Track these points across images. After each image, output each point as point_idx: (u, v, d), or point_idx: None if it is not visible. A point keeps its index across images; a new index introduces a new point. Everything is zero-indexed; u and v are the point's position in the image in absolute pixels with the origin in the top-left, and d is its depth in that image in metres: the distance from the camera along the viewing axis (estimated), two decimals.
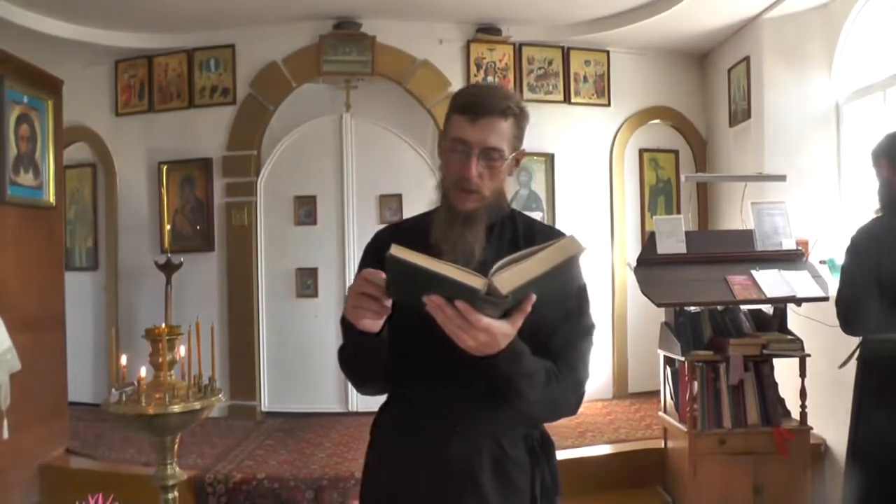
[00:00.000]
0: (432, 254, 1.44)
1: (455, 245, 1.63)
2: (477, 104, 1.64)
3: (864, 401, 3.06)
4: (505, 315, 1.43)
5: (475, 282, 1.35)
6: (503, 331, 1.42)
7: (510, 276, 1.36)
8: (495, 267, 1.37)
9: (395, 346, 1.62)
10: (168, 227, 6.29)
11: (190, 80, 6.34)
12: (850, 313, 3.02)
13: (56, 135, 4.88)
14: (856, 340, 3.26)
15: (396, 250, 1.36)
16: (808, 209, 5.25)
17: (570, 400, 1.68)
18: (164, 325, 3.10)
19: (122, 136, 6.49)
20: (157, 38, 6.26)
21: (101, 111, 6.52)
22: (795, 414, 4.10)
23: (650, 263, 4.24)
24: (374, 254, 1.71)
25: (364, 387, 1.79)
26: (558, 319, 1.64)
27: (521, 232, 1.74)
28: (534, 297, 1.41)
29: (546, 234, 1.74)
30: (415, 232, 1.72)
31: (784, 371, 4.13)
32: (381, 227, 2.05)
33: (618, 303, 6.56)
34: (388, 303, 1.50)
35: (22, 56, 4.61)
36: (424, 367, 1.64)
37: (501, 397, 1.57)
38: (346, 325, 1.59)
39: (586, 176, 6.56)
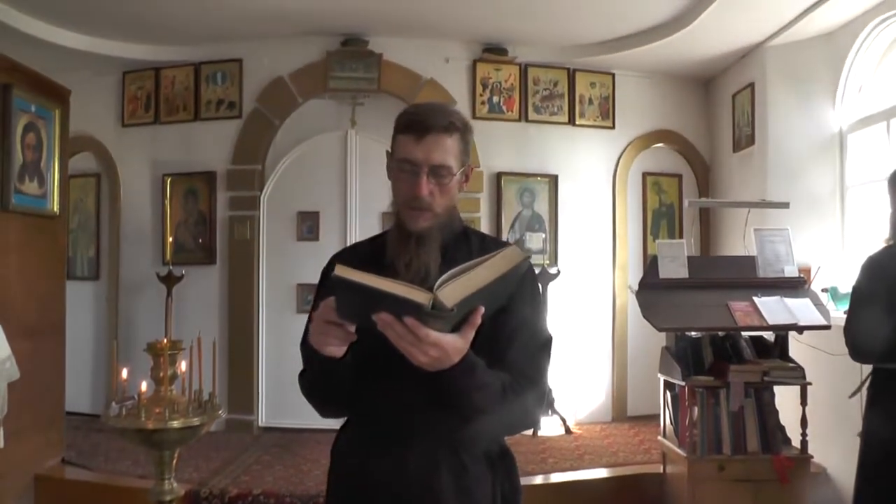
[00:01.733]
0: (388, 274, 1.44)
1: (410, 264, 1.64)
2: (421, 122, 1.66)
3: (874, 430, 3.03)
4: (455, 329, 1.43)
5: (420, 297, 1.35)
6: (454, 345, 1.42)
7: (454, 289, 1.36)
8: (439, 281, 1.37)
9: (354, 364, 1.62)
10: (170, 239, 6.29)
11: (196, 93, 6.37)
12: (858, 342, 3.01)
13: (62, 144, 4.90)
14: (861, 369, 3.26)
15: (341, 270, 1.36)
16: (811, 237, 5.26)
17: (528, 412, 1.67)
18: (165, 339, 3.09)
19: (127, 147, 6.51)
20: (166, 51, 6.29)
21: (107, 122, 6.54)
22: (796, 442, 4.08)
23: (652, 287, 4.24)
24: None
25: (326, 410, 1.79)
26: (513, 332, 1.64)
27: (475, 248, 1.74)
28: (482, 310, 1.41)
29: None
30: (370, 253, 1.74)
31: (785, 398, 4.11)
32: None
33: (618, 326, 6.55)
34: (353, 328, 1.50)
35: (30, 65, 4.63)
36: (381, 384, 1.64)
37: (459, 412, 1.57)
38: (308, 351, 1.59)
39: (589, 198, 6.56)
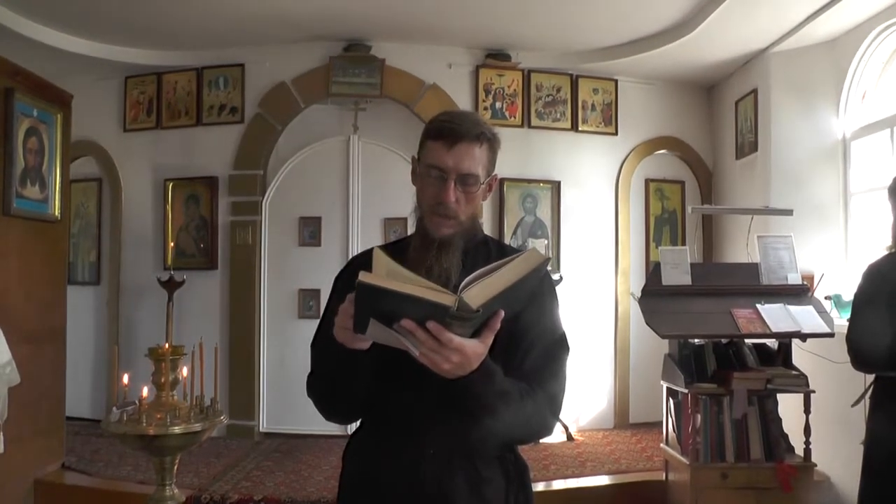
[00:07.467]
0: None
1: (431, 270, 1.63)
2: (452, 130, 1.66)
3: (877, 438, 3.02)
4: (475, 334, 1.42)
5: (445, 299, 1.34)
6: (475, 350, 1.42)
7: (479, 291, 1.36)
8: (463, 284, 1.37)
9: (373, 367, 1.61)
10: (172, 244, 6.29)
11: (198, 98, 6.37)
12: (860, 350, 2.99)
13: (64, 149, 4.90)
14: (864, 377, 3.24)
15: (365, 276, 1.34)
16: (814, 244, 5.25)
17: (545, 419, 1.67)
18: (167, 345, 3.08)
19: (129, 151, 6.51)
20: (168, 56, 6.29)
21: (109, 126, 6.54)
22: (799, 450, 4.06)
23: (655, 294, 4.23)
24: (354, 277, 1.53)
25: (336, 411, 1.76)
26: (532, 337, 1.65)
27: (494, 255, 1.74)
28: (502, 314, 1.41)
29: None
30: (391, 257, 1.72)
31: (788, 406, 4.09)
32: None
33: (621, 333, 6.53)
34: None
35: (33, 69, 4.63)
36: (396, 389, 1.63)
37: (475, 419, 1.56)
38: (321, 352, 1.59)
39: (592, 204, 6.56)
